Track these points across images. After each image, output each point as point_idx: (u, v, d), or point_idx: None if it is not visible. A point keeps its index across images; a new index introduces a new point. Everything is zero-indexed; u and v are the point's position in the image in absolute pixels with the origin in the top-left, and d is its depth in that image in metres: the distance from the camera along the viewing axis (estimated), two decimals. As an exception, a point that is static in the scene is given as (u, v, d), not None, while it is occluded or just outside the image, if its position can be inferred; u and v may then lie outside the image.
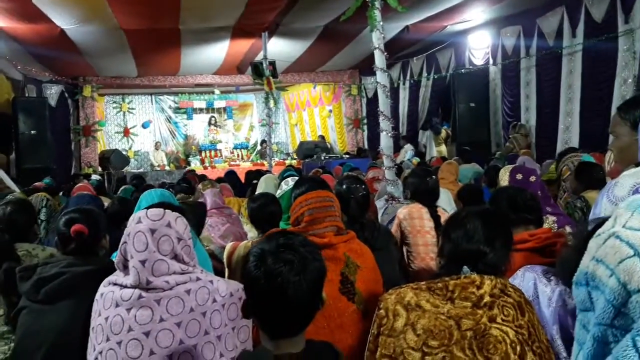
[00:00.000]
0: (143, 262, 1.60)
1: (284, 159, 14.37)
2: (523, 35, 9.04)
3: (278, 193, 3.53)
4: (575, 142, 7.80)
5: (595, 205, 1.90)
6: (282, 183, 3.67)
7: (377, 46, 4.76)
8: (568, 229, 2.77)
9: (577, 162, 4.17)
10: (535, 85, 8.88)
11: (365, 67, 13.32)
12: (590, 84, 7.60)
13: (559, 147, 8.05)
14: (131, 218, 1.72)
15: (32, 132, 9.67)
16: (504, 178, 3.16)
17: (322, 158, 11.19)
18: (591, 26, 7.48)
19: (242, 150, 16.20)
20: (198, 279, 1.67)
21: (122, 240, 1.68)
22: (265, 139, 11.49)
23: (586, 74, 7.69)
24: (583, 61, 7.72)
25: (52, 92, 11.97)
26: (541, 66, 8.69)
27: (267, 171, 8.72)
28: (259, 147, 15.88)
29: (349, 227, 2.41)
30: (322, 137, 14.72)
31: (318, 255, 1.27)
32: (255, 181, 5.57)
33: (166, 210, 1.71)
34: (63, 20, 8.10)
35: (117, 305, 1.61)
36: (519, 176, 3.03)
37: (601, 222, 0.96)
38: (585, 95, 7.70)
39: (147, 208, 1.75)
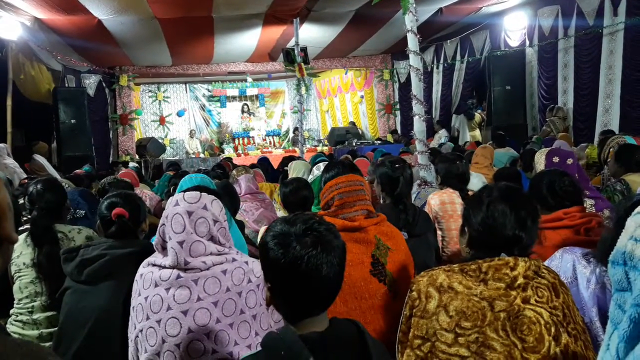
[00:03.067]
0: (181, 244, 1.65)
1: (316, 146, 14.38)
2: (561, 15, 8.76)
3: (310, 178, 3.57)
4: (615, 125, 7.55)
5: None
6: (314, 168, 3.71)
7: (410, 29, 4.70)
8: (607, 212, 2.72)
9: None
10: (573, 67, 8.61)
11: (397, 51, 13.17)
12: (632, 64, 7.33)
13: (598, 130, 7.82)
14: (169, 201, 1.77)
15: (72, 121, 9.94)
16: (539, 161, 3.11)
17: (354, 144, 11.15)
18: (634, 4, 7.20)
19: (274, 137, 16.30)
20: (234, 259, 1.71)
21: (161, 222, 1.73)
22: (297, 126, 11.49)
23: (628, 54, 7.41)
24: (625, 41, 7.44)
25: (91, 82, 12.29)
26: (580, 47, 8.41)
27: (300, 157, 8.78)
28: (290, 134, 15.93)
29: (394, 208, 2.41)
30: (353, 123, 14.65)
31: (337, 232, 1.28)
32: (286, 168, 5.63)
33: (202, 193, 1.75)
34: (100, 11, 8.28)
35: (156, 285, 1.66)
36: (556, 159, 2.98)
37: None
38: (627, 77, 7.43)
39: (184, 191, 1.79)
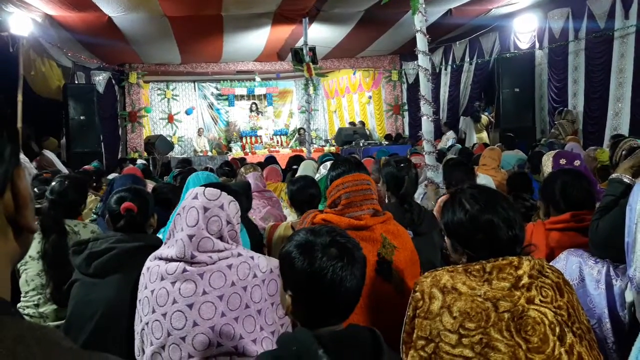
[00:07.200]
0: (190, 237, 1.67)
1: (323, 146, 14.37)
2: (572, 17, 8.71)
3: (317, 177, 3.57)
4: (625, 129, 7.50)
5: (633, 194, 1.75)
6: (321, 167, 3.72)
7: (419, 29, 4.69)
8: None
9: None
10: (584, 70, 8.56)
11: (406, 52, 13.15)
12: (643, 67, 7.29)
13: (608, 134, 7.77)
14: (189, 192, 1.79)
15: (82, 117, 9.99)
16: (547, 164, 3.10)
17: (361, 144, 11.13)
18: (645, 7, 7.16)
19: (282, 136, 16.32)
20: (239, 254, 1.72)
21: (178, 211, 1.76)
22: (302, 127, 11.44)
23: (639, 57, 7.36)
24: (636, 44, 7.40)
25: (100, 79, 12.33)
26: (590, 49, 8.36)
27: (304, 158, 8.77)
28: (296, 135, 15.95)
29: (399, 207, 2.41)
30: (362, 122, 14.61)
31: (359, 245, 1.32)
32: (295, 166, 5.63)
33: (222, 193, 1.77)
34: (110, 9, 8.33)
35: (162, 279, 1.68)
36: (563, 161, 2.97)
37: None
38: (637, 80, 7.38)
39: (206, 186, 1.81)
